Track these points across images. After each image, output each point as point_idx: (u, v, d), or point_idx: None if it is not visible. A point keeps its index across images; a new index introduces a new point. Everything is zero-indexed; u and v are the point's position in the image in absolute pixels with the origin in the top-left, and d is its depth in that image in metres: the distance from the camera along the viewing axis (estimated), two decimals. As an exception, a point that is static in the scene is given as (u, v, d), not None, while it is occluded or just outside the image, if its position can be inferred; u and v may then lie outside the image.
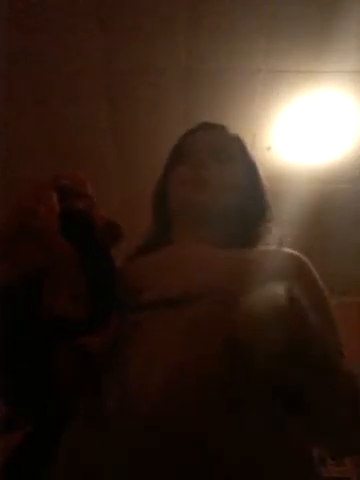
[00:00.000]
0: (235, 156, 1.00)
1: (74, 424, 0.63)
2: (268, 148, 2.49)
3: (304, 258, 0.89)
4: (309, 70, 2.09)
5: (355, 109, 2.28)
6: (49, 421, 0.62)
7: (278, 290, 0.61)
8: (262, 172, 1.09)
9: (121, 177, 2.68)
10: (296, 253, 0.89)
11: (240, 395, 0.60)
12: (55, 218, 0.57)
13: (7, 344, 0.55)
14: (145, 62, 2.06)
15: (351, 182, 2.75)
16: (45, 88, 2.17)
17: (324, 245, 3.30)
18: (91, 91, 2.18)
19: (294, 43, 1.99)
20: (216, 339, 0.60)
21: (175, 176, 0.99)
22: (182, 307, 0.69)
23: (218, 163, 0.95)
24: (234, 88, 2.18)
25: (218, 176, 0.94)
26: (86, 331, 0.58)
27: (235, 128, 2.52)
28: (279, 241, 0.95)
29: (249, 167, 1.02)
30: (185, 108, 2.26)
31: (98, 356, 0.59)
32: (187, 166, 0.96)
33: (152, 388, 0.59)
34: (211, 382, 0.60)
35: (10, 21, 1.88)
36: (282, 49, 2.01)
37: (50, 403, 0.61)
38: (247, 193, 0.97)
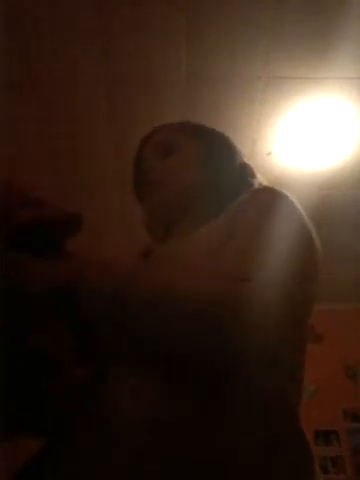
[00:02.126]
0: (181, 142, 0.96)
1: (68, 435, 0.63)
2: (268, 154, 2.50)
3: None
4: (309, 76, 2.10)
5: (355, 115, 2.28)
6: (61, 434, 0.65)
7: None
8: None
9: (120, 182, 2.68)
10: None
11: None
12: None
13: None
14: (145, 68, 2.07)
15: (351, 188, 2.75)
16: (45, 90, 2.18)
17: (324, 251, 3.29)
18: (91, 97, 2.19)
19: (294, 49, 2.00)
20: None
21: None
22: None
23: (162, 159, 0.93)
24: (234, 94, 2.19)
25: (165, 171, 0.91)
26: (73, 365, 0.65)
27: (235, 134, 2.54)
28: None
29: (205, 143, 0.98)
30: (185, 114, 2.26)
31: (82, 385, 0.65)
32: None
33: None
34: None
35: (9, 25, 1.90)
36: (282, 55, 2.02)
37: (44, 420, 0.66)
38: (212, 168, 0.92)
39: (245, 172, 0.96)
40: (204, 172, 0.91)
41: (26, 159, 2.50)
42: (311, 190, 2.76)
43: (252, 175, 0.97)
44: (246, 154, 2.56)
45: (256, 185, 0.93)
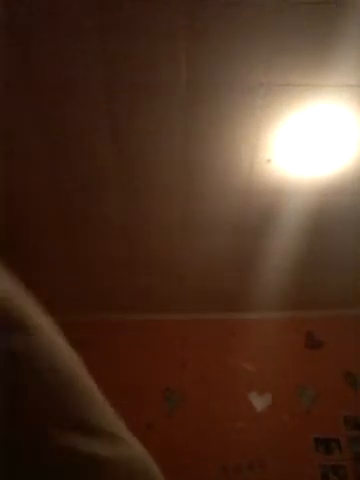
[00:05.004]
0: None
1: None
2: (268, 161, 2.50)
3: None
4: (310, 84, 2.11)
5: (355, 122, 2.29)
6: None
7: None
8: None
9: (121, 189, 2.69)
10: None
11: None
12: None
13: None
14: (146, 76, 2.08)
15: (351, 194, 2.76)
16: (45, 100, 2.18)
17: (324, 257, 3.30)
18: (92, 105, 2.20)
19: (295, 57, 2.00)
20: None
21: None
22: None
23: None
24: (235, 101, 2.19)
25: None
26: None
27: (236, 140, 2.55)
28: None
29: None
30: (186, 121, 2.27)
31: None
32: None
33: None
34: None
35: (10, 33, 1.90)
36: (283, 63, 2.03)
37: None
38: None
39: None
40: None
41: (26, 160, 2.50)
42: (311, 197, 2.77)
43: None
44: (246, 161, 2.57)
45: None
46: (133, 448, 0.56)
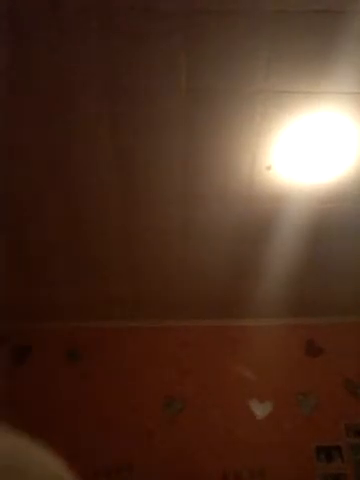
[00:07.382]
0: None
1: None
2: (268, 168, 2.51)
3: None
4: (309, 91, 2.12)
5: (354, 129, 2.30)
6: None
7: None
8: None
9: (121, 194, 2.69)
10: None
11: None
12: None
13: None
14: (145, 83, 2.09)
15: (350, 201, 2.76)
16: (46, 109, 2.19)
17: (324, 264, 3.30)
18: (92, 111, 2.21)
19: (294, 64, 2.01)
20: None
21: None
22: None
23: None
24: (234, 108, 2.20)
25: None
26: None
27: (235, 147, 2.56)
28: None
29: None
30: (185, 128, 2.28)
31: None
32: None
33: None
34: None
35: (11, 34, 1.92)
36: (282, 70, 2.04)
37: None
38: None
39: None
40: None
41: (25, 161, 2.50)
42: (311, 204, 2.77)
43: None
44: (246, 168, 2.58)
45: None
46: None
